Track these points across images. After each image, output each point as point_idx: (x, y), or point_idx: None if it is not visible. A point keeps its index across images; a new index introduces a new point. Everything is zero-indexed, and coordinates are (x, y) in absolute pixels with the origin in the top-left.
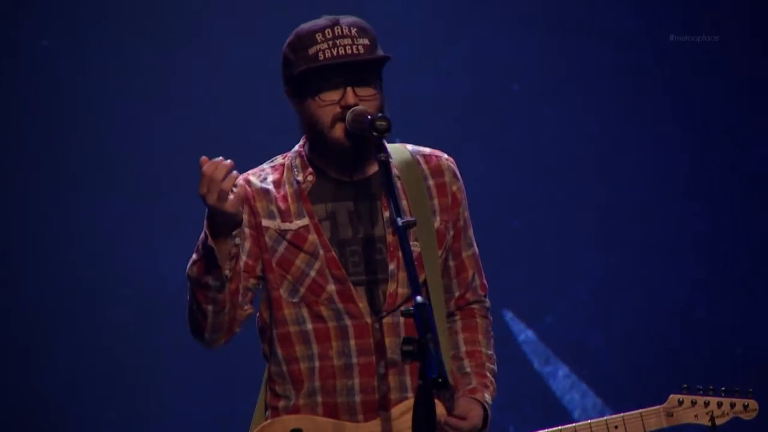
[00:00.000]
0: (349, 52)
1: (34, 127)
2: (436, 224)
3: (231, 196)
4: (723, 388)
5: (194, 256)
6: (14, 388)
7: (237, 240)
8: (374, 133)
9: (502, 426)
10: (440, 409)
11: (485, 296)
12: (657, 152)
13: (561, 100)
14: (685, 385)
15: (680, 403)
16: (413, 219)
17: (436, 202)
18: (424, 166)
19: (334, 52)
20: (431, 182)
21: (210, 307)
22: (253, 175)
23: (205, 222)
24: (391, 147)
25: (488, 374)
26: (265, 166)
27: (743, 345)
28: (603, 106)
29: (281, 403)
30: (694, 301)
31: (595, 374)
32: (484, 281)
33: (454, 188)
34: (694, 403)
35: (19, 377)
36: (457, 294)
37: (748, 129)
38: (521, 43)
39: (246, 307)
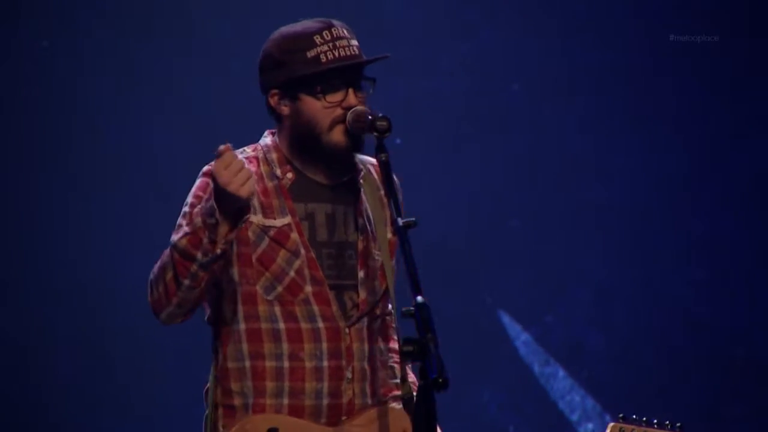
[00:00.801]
0: (349, 53)
1: (33, 127)
2: (389, 235)
3: (249, 182)
4: (655, 421)
5: (186, 228)
6: (14, 388)
7: (241, 224)
8: (375, 134)
9: (502, 426)
10: (406, 422)
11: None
12: (657, 152)
13: (561, 100)
14: (621, 415)
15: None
16: (413, 219)
17: (387, 212)
18: (375, 176)
19: (336, 54)
20: (382, 192)
21: (187, 282)
22: None
23: (212, 198)
24: None
25: None
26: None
27: (743, 345)
28: (603, 106)
29: (237, 401)
30: (695, 302)
31: (596, 375)
32: None
33: (399, 198)
34: None
35: (19, 377)
36: None
37: (748, 129)
38: (521, 43)
39: (207, 295)
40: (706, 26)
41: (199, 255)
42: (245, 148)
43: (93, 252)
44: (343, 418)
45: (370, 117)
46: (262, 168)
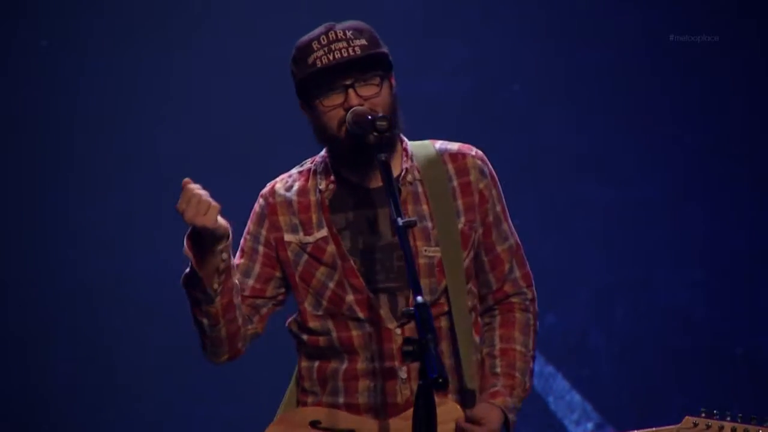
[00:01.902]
0: (345, 55)
1: (33, 127)
2: (460, 225)
3: (210, 210)
4: (740, 414)
5: (187, 268)
6: (14, 388)
7: (224, 255)
8: (375, 133)
9: None
10: (461, 413)
11: (527, 287)
12: (657, 152)
13: (561, 100)
14: (703, 409)
15: (695, 425)
16: (414, 219)
17: (460, 202)
18: (449, 165)
19: (330, 57)
20: (455, 183)
21: (204, 321)
22: (280, 182)
23: (185, 239)
24: (418, 144)
25: (518, 374)
26: (294, 171)
27: (743, 345)
28: (603, 106)
29: (309, 399)
30: (694, 302)
31: (596, 374)
32: (527, 271)
33: (481, 185)
34: (708, 426)
35: (19, 377)
36: (494, 288)
37: (748, 129)
38: (522, 43)
39: (250, 327)
40: (706, 26)
41: (198, 294)
42: (306, 160)
43: (94, 252)
44: (401, 414)
45: (369, 117)
46: (310, 182)
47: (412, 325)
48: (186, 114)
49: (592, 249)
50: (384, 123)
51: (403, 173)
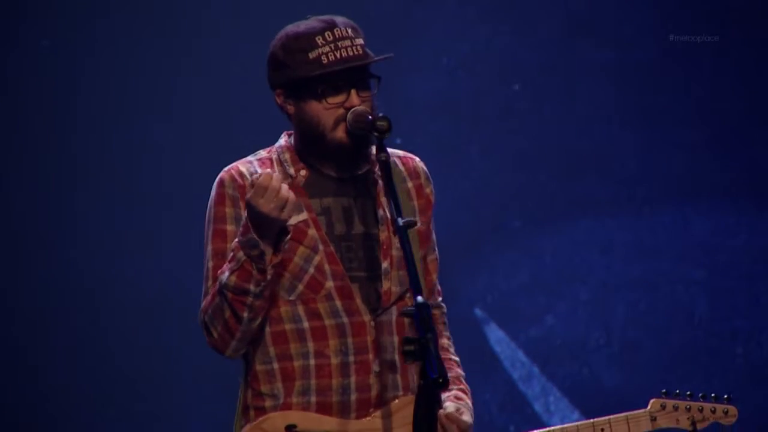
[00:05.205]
0: (351, 54)
1: (33, 127)
2: (418, 225)
3: (288, 205)
4: (701, 394)
5: (231, 264)
6: (14, 388)
7: (285, 245)
8: (375, 133)
9: (503, 426)
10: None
11: (442, 301)
12: (657, 152)
13: (561, 99)
14: (663, 391)
15: (663, 407)
16: (414, 219)
17: (415, 203)
18: (401, 167)
19: (338, 55)
20: (410, 184)
21: (246, 315)
22: (242, 166)
23: (250, 228)
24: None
25: (462, 381)
26: (251, 158)
27: (743, 345)
28: (603, 106)
29: (268, 403)
30: (695, 301)
31: (596, 374)
32: (439, 287)
33: (428, 190)
34: (676, 407)
35: (19, 378)
36: None
37: (748, 129)
38: (522, 42)
39: None
40: (706, 26)
41: (251, 287)
42: (260, 150)
43: (94, 252)
44: (371, 410)
45: (370, 117)
46: (276, 169)
47: (383, 317)
48: (187, 114)
49: (592, 249)
50: (384, 123)
51: (377, 166)
